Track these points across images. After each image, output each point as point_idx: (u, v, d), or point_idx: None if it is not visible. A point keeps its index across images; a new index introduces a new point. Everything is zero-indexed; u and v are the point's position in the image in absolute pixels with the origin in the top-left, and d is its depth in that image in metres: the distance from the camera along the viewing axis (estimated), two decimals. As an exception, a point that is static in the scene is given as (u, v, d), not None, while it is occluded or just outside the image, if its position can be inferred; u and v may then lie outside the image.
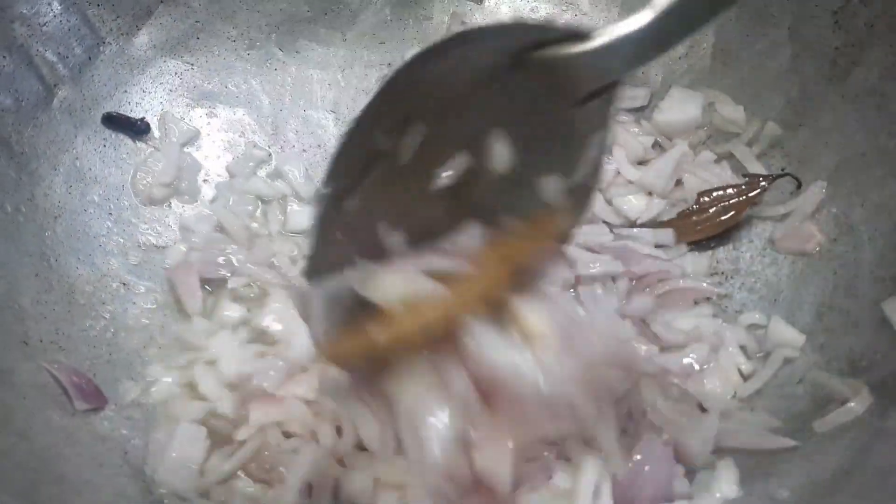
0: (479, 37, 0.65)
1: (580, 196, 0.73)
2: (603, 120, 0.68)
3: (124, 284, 0.97)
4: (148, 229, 1.02)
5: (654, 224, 1.03)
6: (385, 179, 0.69)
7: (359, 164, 0.67)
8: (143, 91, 1.07)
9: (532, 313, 0.71)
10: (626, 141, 1.07)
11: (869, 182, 0.94)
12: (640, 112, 1.11)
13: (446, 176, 0.71)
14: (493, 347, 0.69)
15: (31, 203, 0.93)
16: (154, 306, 0.97)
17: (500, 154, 0.70)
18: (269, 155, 1.11)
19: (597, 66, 0.63)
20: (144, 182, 1.04)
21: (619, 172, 1.06)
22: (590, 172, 0.71)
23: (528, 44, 0.64)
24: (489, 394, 0.69)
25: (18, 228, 0.91)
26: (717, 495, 0.79)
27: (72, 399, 0.80)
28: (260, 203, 1.08)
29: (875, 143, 0.94)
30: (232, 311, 0.95)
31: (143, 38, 1.07)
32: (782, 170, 1.02)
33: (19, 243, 0.90)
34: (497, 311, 0.71)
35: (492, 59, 0.65)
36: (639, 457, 0.79)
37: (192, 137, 1.09)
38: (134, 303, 0.96)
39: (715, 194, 1.02)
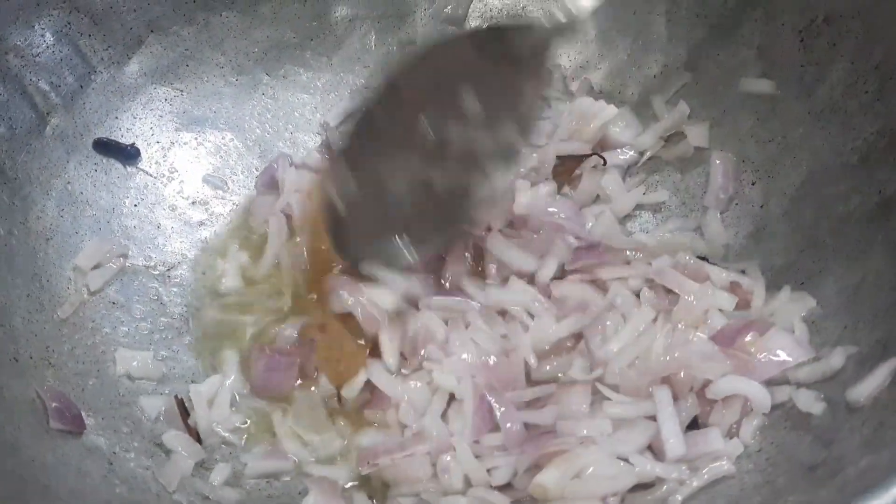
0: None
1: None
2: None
3: (114, 304, 1.00)
4: (138, 252, 1.06)
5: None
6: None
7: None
8: (134, 117, 1.11)
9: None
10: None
11: (833, 197, 0.96)
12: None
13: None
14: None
15: (23, 226, 0.97)
16: (145, 325, 1.00)
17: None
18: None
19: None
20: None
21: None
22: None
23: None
24: None
25: (11, 250, 0.94)
26: None
27: (48, 417, 0.83)
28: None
29: (839, 159, 0.97)
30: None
31: (133, 67, 1.11)
32: (752, 184, 1.05)
33: (12, 265, 0.93)
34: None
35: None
36: None
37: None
38: (123, 322, 0.99)
39: None
